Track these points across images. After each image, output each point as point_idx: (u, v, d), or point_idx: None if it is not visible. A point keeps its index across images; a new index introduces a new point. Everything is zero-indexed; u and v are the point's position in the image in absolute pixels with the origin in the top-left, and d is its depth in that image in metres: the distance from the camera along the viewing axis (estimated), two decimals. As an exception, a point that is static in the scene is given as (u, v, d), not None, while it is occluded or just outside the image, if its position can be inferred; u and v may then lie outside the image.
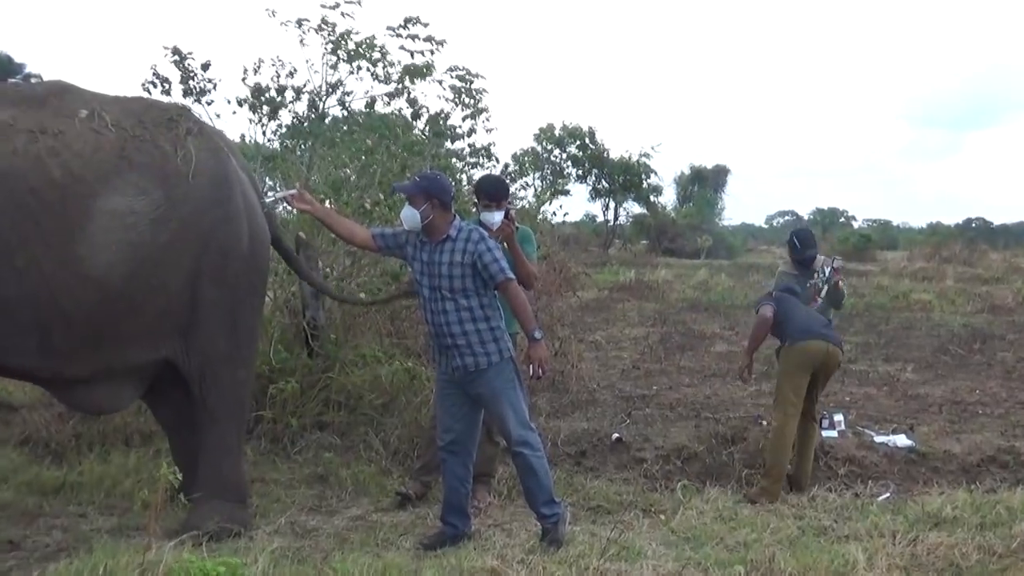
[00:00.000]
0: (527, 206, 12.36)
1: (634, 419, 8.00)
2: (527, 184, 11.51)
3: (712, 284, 23.09)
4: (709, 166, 46.89)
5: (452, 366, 4.92)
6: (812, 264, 6.68)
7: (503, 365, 4.90)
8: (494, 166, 9.08)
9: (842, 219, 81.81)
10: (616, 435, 7.22)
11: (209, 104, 7.20)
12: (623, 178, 35.82)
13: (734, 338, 13.90)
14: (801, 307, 6.35)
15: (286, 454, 6.57)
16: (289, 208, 5.75)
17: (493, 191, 5.43)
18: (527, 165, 11.45)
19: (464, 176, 8.94)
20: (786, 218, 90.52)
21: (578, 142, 35.97)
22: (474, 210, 5.93)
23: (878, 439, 7.21)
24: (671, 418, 8.08)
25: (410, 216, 4.83)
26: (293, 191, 5.14)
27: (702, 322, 15.84)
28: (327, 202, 7.33)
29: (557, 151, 36.69)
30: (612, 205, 37.18)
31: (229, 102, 7.43)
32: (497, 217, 5.32)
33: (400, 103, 7.79)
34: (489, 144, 8.88)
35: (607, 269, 26.21)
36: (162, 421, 5.60)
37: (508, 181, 10.26)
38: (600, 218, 38.57)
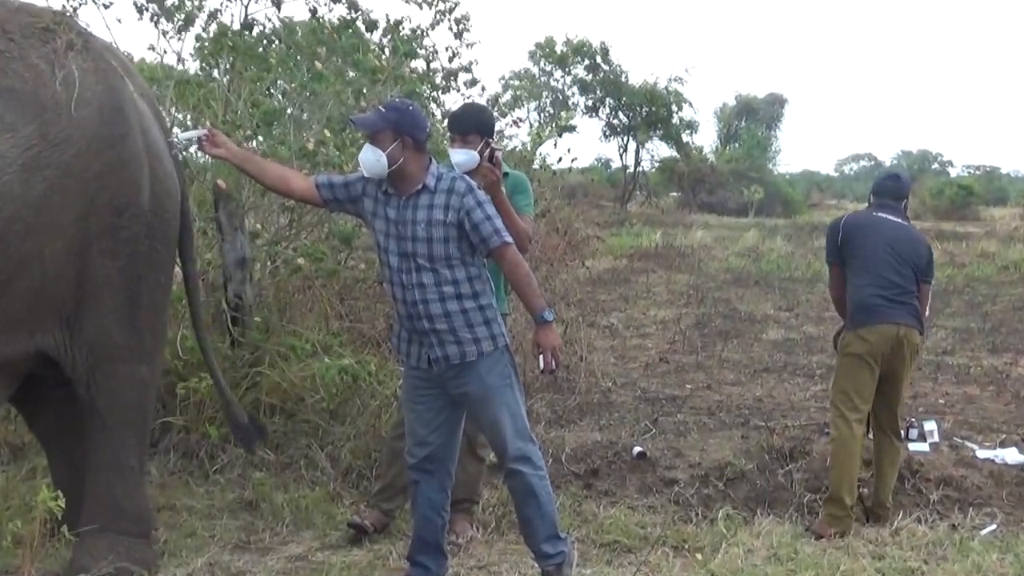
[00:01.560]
0: (520, 147, 12.32)
1: (662, 428, 8.02)
2: (519, 120, 11.38)
3: (764, 250, 23.18)
4: (760, 95, 46.89)
5: (430, 358, 4.84)
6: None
7: (497, 356, 4.83)
8: (478, 95, 9.04)
9: (935, 166, 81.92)
10: (638, 449, 7.25)
11: (107, 7, 7.02)
12: (646, 110, 35.82)
13: (793, 321, 13.98)
14: (869, 272, 6.33)
15: (203, 473, 6.57)
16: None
17: (466, 122, 5.40)
18: (520, 93, 11.36)
19: (436, 107, 8.91)
20: (861, 163, 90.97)
21: (587, 62, 35.81)
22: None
23: (981, 454, 7.25)
24: (710, 427, 8.12)
25: (372, 159, 4.74)
26: (203, 130, 5.08)
27: (751, 300, 15.89)
28: (255, 142, 7.29)
29: (559, 74, 36.68)
30: (632, 146, 37.21)
31: (135, 5, 7.28)
32: (465, 157, 5.28)
33: (341, 8, 7.80)
34: (470, 63, 8.84)
35: (626, 230, 26.28)
36: (39, 432, 5.59)
37: (495, 114, 10.24)
38: (617, 163, 38.66)
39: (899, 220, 6.36)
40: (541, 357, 4.77)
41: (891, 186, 6.54)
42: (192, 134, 5.12)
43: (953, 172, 70.11)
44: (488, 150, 5.28)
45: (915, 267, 6.25)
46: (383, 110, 4.84)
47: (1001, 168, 71.26)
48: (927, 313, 6.53)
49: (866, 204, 6.73)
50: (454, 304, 4.76)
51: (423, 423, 4.98)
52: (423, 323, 4.77)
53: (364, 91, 7.54)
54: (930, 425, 7.54)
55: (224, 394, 5.76)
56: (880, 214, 6.36)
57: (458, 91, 8.85)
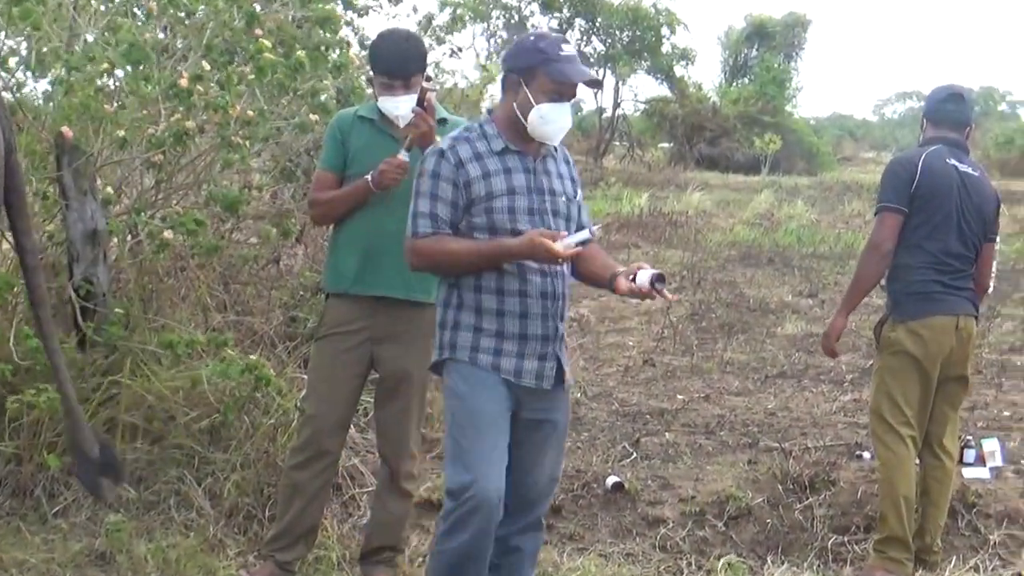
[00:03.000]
0: (463, 86, 12.27)
1: (645, 451, 8.04)
2: (459, 48, 11.26)
3: (781, 217, 23.32)
4: (776, 16, 47.07)
5: (543, 374, 5.00)
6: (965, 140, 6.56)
7: None
8: (407, 15, 9.00)
9: (1003, 106, 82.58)
10: (614, 479, 7.26)
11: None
12: (628, 35, 35.88)
13: (817, 311, 14.06)
14: (930, 246, 6.30)
15: (40, 517, 6.47)
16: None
17: (397, 60, 5.50)
18: (463, 13, 11.23)
19: (353, 34, 8.85)
20: (907, 105, 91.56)
21: (552, -30, 35.87)
22: (368, 92, 5.91)
23: (1057, 482, 7.31)
24: (708, 449, 8.15)
25: (566, 122, 5.02)
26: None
27: (762, 283, 15.97)
28: (112, 80, 7.18)
29: (515, -14, 36.61)
30: (611, 82, 37.26)
31: None
32: (403, 105, 5.41)
33: None
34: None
35: (601, 192, 26.33)
36: None
37: (429, 42, 10.20)
38: (590, 104, 38.66)
39: (970, 169, 6.36)
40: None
41: (953, 111, 6.46)
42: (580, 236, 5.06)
43: (1024, 115, 70.62)
44: (422, 93, 5.35)
45: (983, 229, 6.32)
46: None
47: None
48: (992, 281, 6.57)
49: (919, 137, 6.69)
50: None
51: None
52: (557, 324, 5.05)
53: (258, 10, 7.47)
54: (991, 445, 7.60)
55: (73, 414, 5.66)
56: (951, 161, 6.30)
57: (380, 11, 8.80)
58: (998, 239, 6.56)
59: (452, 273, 4.94)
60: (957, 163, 6.28)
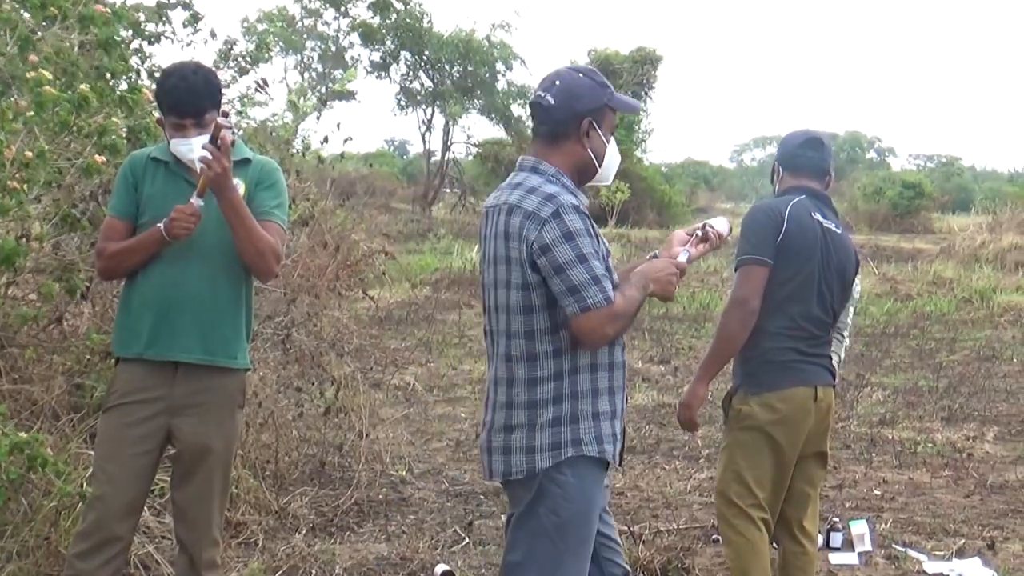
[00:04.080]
0: (271, 122, 12.26)
1: (479, 536, 8.08)
2: (265, 82, 11.15)
3: (629, 274, 23.49)
4: (623, 51, 47.66)
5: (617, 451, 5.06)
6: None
7: None
8: (203, 42, 8.97)
9: (871, 154, 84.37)
10: (443, 568, 7.28)
11: None
12: (460, 69, 36.11)
13: (670, 379, 14.20)
14: (789, 311, 6.31)
15: None
16: None
17: (186, 96, 5.47)
18: (271, 40, 11.21)
19: (140, 64, 8.82)
20: (768, 150, 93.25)
21: (373, -2, 35.95)
22: (163, 133, 5.87)
23: (931, 567, 7.48)
24: (549, 533, 8.17)
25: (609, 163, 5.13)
26: None
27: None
28: None
29: (331, 14, 36.65)
30: (440, 122, 37.45)
31: None
32: (197, 146, 5.35)
33: None
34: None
35: (430, 245, 26.37)
36: None
37: (231, 74, 10.17)
38: (416, 146, 38.79)
39: (833, 225, 6.31)
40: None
41: (813, 158, 6.43)
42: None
43: (896, 164, 72.61)
44: (216, 129, 5.30)
45: (843, 293, 6.30)
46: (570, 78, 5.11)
47: (962, 159, 73.57)
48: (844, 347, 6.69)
49: (773, 186, 6.62)
50: None
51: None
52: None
53: (36, 34, 7.41)
54: (860, 527, 7.74)
55: None
56: (816, 216, 6.24)
57: (173, 37, 8.77)
58: (856, 306, 6.59)
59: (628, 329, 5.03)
60: (821, 218, 6.25)
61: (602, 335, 4.81)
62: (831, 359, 6.34)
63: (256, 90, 11.09)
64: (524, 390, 4.87)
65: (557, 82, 5.01)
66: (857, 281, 6.71)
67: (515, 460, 4.86)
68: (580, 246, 4.77)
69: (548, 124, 4.99)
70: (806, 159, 6.41)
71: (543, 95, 4.96)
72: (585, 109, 4.96)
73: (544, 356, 4.84)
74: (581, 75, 5.04)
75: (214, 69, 6.25)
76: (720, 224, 5.18)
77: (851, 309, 7.09)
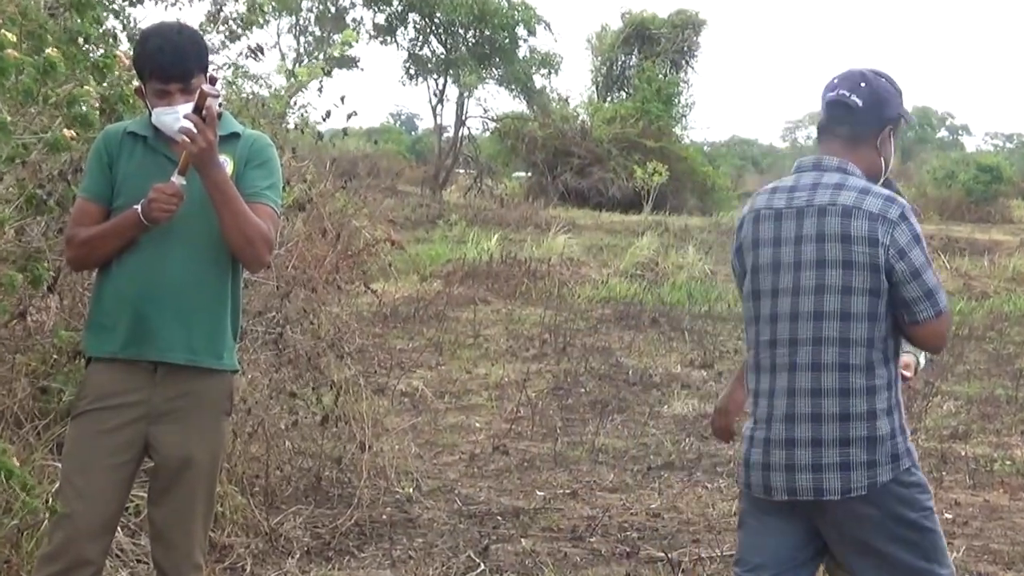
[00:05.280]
0: (263, 93, 12.27)
1: (496, 561, 8.09)
2: (260, 48, 11.14)
3: (667, 268, 23.52)
4: (662, 15, 47.59)
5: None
6: None
7: None
8: (189, 3, 8.99)
9: (943, 132, 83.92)
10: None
11: None
12: (476, 35, 36.08)
13: (712, 385, 14.18)
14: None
15: None
16: None
17: (171, 57, 5.44)
18: (263, 1, 11.15)
19: (121, 26, 8.83)
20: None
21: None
22: (142, 104, 5.87)
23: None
24: (575, 559, 8.22)
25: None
26: None
27: (644, 351, 16.10)
28: None
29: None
30: (453, 94, 37.43)
31: None
32: (180, 114, 5.33)
33: None
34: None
35: (441, 233, 26.36)
36: None
37: (220, 39, 10.19)
38: (427, 122, 38.83)
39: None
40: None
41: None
42: None
43: (971, 144, 72.31)
44: (200, 95, 5.29)
45: None
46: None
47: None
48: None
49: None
50: None
51: None
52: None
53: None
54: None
55: None
56: None
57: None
58: None
59: None
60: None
61: (946, 339, 5.35)
62: None
63: (247, 58, 11.09)
64: (863, 400, 5.12)
65: (862, 84, 5.35)
66: None
67: (855, 476, 5.08)
68: (925, 248, 5.15)
69: (850, 125, 5.33)
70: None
71: (847, 94, 5.30)
72: (891, 115, 5.38)
73: (880, 364, 5.15)
74: (883, 79, 5.42)
75: (200, 32, 6.26)
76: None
77: None
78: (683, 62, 47.11)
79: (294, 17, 35.81)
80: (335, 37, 33.16)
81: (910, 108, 5.55)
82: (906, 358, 5.79)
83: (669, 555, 8.06)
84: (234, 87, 11.09)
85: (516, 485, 10.08)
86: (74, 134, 7.09)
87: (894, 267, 5.04)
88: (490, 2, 35.34)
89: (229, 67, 11.05)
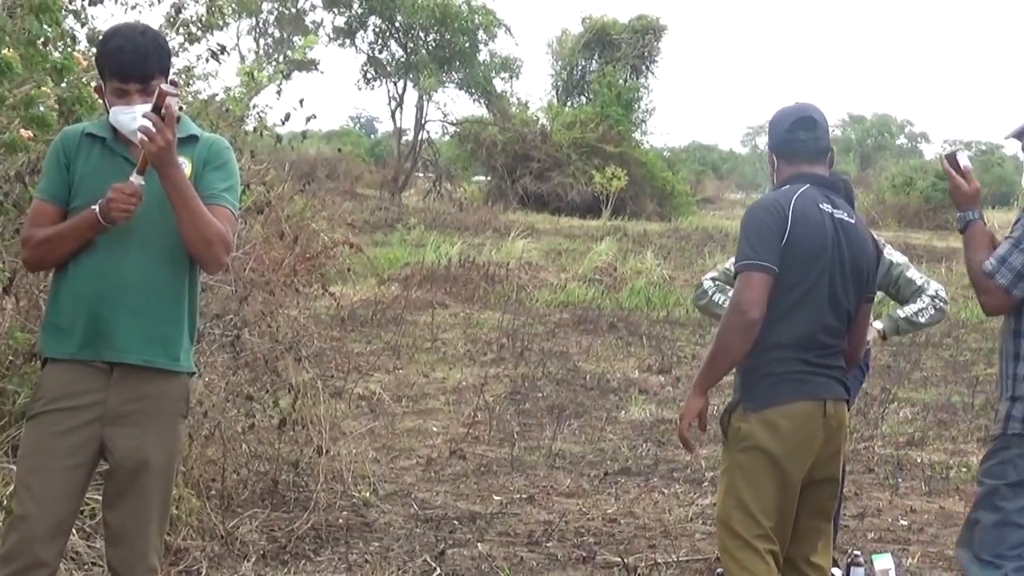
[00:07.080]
0: (222, 96, 12.24)
1: (452, 566, 8.11)
2: (222, 48, 11.08)
3: (626, 273, 23.55)
4: (622, 20, 47.64)
5: None
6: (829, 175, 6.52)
7: None
8: (149, 5, 8.96)
9: (902, 139, 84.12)
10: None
11: None
12: (436, 38, 36.08)
13: (670, 390, 14.22)
14: (798, 318, 6.24)
15: None
16: None
17: (131, 57, 5.43)
18: (224, 3, 11.09)
19: (80, 25, 8.81)
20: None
21: (338, -44, 35.96)
22: (101, 105, 5.85)
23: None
24: (532, 564, 8.25)
25: None
26: None
27: (602, 355, 16.11)
28: None
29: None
30: (412, 97, 37.43)
31: None
32: (137, 114, 5.31)
33: None
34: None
35: (399, 237, 26.34)
36: None
37: (180, 40, 10.17)
38: (386, 125, 38.78)
39: (845, 215, 6.20)
40: None
41: (807, 140, 6.33)
42: None
43: (929, 151, 72.40)
44: (159, 96, 5.27)
45: (860, 291, 6.22)
46: None
47: (1003, 147, 72.64)
48: (866, 347, 6.74)
49: (771, 178, 6.50)
50: None
51: None
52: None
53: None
54: (884, 562, 7.75)
55: None
56: (824, 206, 6.12)
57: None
58: (875, 299, 6.52)
59: None
60: (831, 208, 6.15)
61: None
62: (843, 370, 6.23)
63: (208, 60, 11.01)
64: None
65: None
66: (890, 249, 6.90)
67: None
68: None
69: None
70: (799, 143, 6.32)
71: None
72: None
73: None
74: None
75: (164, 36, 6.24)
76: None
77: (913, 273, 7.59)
78: (643, 67, 47.15)
79: (254, 19, 35.69)
80: (295, 39, 33.11)
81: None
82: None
83: (625, 560, 8.07)
84: (192, 89, 11.04)
85: (473, 490, 10.08)
86: (31, 135, 7.07)
87: None
88: (451, 6, 35.35)
89: (186, 70, 10.99)
